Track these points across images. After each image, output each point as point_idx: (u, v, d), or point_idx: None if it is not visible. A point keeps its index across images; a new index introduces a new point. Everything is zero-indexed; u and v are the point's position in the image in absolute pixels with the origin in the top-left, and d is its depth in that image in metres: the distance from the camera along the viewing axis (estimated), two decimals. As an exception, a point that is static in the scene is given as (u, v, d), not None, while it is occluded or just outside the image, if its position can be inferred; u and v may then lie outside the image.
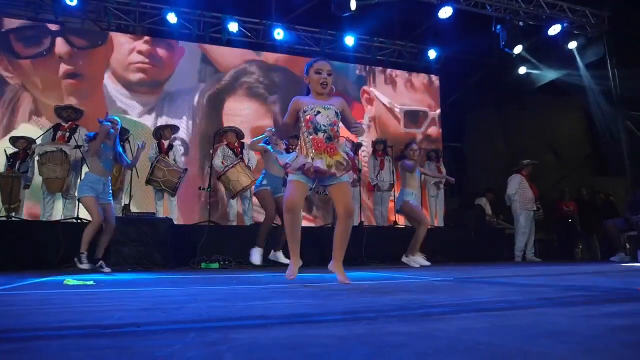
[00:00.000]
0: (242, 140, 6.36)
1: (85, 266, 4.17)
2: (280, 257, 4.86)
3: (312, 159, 2.50)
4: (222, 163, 6.00)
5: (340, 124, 2.67)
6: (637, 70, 7.89)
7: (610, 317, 1.32)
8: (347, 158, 2.58)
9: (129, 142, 5.93)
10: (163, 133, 6.23)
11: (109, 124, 4.40)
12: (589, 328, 1.10)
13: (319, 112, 2.55)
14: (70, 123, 6.02)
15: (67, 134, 5.96)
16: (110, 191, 4.51)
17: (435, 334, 1.01)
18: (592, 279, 2.87)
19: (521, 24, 8.25)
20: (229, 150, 6.16)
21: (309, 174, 2.54)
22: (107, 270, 4.25)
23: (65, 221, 5.48)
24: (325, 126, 2.53)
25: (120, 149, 4.60)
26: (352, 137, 3.73)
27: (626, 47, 8.22)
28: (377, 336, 0.98)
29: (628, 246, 6.43)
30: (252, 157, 6.34)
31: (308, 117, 2.55)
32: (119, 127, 4.54)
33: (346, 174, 2.60)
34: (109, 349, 0.89)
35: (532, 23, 8.56)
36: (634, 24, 8.14)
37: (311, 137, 2.54)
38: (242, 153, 6.15)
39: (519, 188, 7.10)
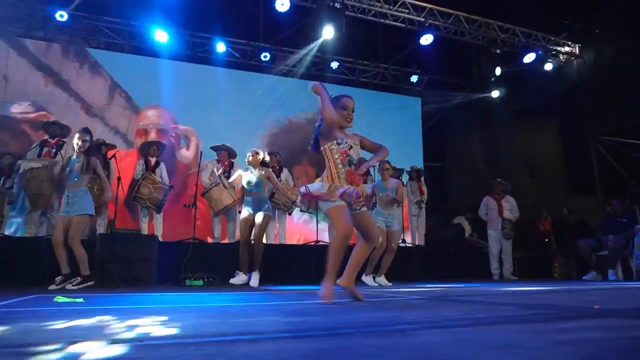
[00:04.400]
0: (232, 160, 6.46)
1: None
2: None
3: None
4: (209, 178, 6.11)
5: None
6: (606, 95, 8.35)
7: (559, 332, 1.51)
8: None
9: (115, 157, 5.97)
10: (149, 150, 6.31)
11: None
12: (536, 342, 1.27)
13: (351, 147, 2.77)
14: (56, 139, 6.04)
15: (54, 150, 5.97)
16: (75, 203, 4.43)
17: (402, 347, 1.17)
18: (556, 298, 3.07)
19: (498, 51, 8.65)
20: (220, 167, 6.24)
21: (351, 199, 2.66)
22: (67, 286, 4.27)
23: (49, 237, 5.47)
24: (355, 159, 2.77)
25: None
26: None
27: (596, 74, 8.70)
28: (352, 348, 1.14)
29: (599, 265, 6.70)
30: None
31: (343, 150, 2.73)
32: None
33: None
34: (121, 360, 1.03)
35: (508, 50, 8.99)
36: (604, 52, 8.66)
37: (345, 169, 2.71)
38: (229, 172, 6.23)
39: (486, 209, 7.39)
